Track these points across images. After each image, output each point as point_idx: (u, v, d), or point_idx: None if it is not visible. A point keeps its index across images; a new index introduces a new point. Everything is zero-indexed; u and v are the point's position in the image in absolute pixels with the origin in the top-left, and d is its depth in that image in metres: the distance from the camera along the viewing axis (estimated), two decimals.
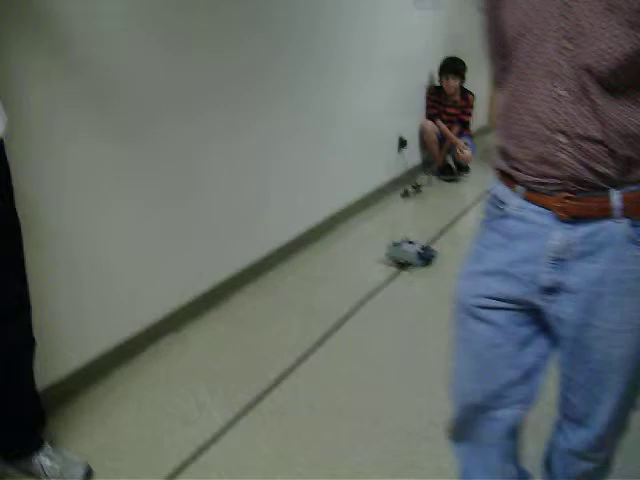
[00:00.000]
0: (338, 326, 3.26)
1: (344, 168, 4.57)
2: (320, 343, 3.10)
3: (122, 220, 2.79)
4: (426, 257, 3.94)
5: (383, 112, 5.04)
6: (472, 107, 5.84)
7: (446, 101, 5.76)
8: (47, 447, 2.25)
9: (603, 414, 1.49)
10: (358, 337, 3.17)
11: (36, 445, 2.24)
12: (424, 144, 5.86)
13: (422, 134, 5.81)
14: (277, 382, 2.80)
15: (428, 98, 5.85)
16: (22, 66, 2.24)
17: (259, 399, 2.69)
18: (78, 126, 2.51)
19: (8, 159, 1.95)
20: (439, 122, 5.76)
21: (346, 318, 3.33)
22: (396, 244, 3.99)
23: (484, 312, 1.51)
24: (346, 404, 2.66)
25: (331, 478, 2.26)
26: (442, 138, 5.81)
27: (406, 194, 5.29)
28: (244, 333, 3.20)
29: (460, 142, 5.72)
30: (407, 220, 4.98)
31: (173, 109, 2.96)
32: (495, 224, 1.50)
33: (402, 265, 3.93)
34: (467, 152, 5.73)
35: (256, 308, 3.45)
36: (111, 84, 2.63)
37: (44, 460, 2.22)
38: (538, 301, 1.44)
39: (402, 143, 5.41)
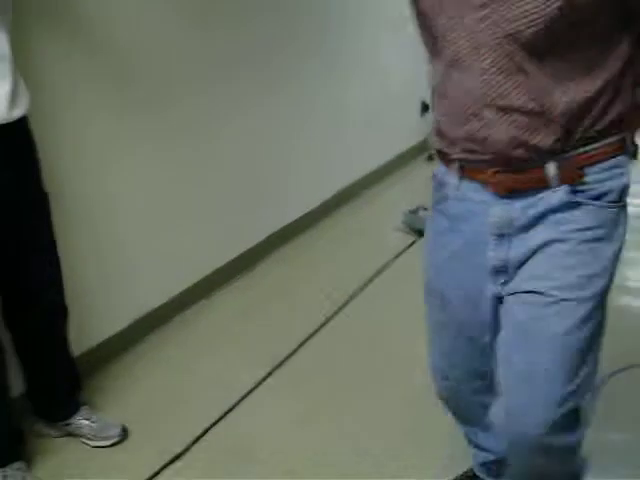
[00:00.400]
0: (360, 291, 3.33)
1: (367, 134, 4.60)
2: (343, 307, 3.18)
3: (148, 190, 2.87)
4: None
5: (405, 76, 5.04)
6: None
7: None
8: (84, 410, 2.37)
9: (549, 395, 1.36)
10: (379, 302, 3.25)
11: (74, 408, 2.36)
12: None
13: None
14: (302, 344, 2.89)
15: None
16: (43, 46, 2.32)
17: (285, 361, 2.78)
18: (100, 101, 2.58)
19: (33, 135, 2.04)
20: None
21: (367, 284, 3.40)
22: (412, 211, 3.98)
23: (446, 299, 1.53)
24: (369, 365, 2.74)
25: (354, 432, 2.35)
26: None
27: (430, 158, 5.30)
28: (271, 299, 3.29)
29: None
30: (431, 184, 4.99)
31: (195, 81, 3.02)
32: (441, 207, 1.49)
33: (420, 232, 3.89)
34: None
35: (282, 274, 3.53)
36: (130, 58, 2.69)
37: (82, 422, 2.34)
38: (492, 286, 1.41)
39: (425, 107, 5.41)
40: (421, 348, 2.78)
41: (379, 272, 3.51)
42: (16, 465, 2.13)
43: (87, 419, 2.34)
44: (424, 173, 4.97)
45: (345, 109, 4.33)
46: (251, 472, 2.19)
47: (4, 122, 1.85)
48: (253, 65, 3.38)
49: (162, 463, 2.23)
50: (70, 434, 2.36)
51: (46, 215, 2.12)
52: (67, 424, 2.34)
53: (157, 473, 2.20)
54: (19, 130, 1.96)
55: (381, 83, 4.70)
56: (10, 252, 2.03)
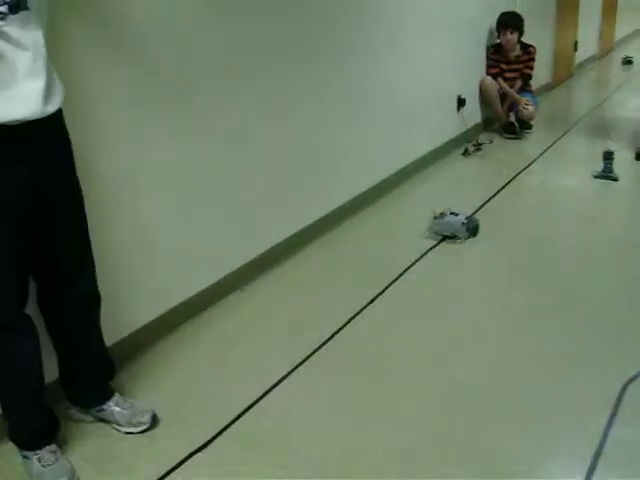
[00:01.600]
0: (392, 283, 3.34)
1: (403, 128, 4.59)
2: (374, 300, 3.18)
3: (180, 180, 2.91)
4: (471, 228, 3.78)
5: (441, 71, 5.03)
6: (534, 60, 5.75)
7: (507, 58, 5.68)
8: (117, 396, 2.41)
9: None
10: (409, 296, 3.24)
11: (107, 395, 2.40)
12: (485, 102, 5.81)
13: (482, 92, 5.75)
14: (334, 334, 2.90)
15: (489, 58, 5.78)
16: (73, 38, 2.36)
17: (317, 350, 2.79)
18: (129, 92, 2.62)
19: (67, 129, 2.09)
20: (500, 80, 5.70)
21: (399, 277, 3.40)
22: (438, 217, 3.83)
23: None
24: (399, 355, 2.74)
25: (383, 422, 2.35)
26: (503, 95, 5.75)
27: (466, 152, 5.28)
28: (304, 289, 3.31)
29: (522, 99, 5.65)
30: (467, 179, 4.98)
31: (228, 71, 3.06)
32: None
33: (445, 238, 3.79)
34: (530, 108, 5.66)
35: (316, 266, 3.55)
36: (160, 50, 2.73)
37: (114, 408, 2.37)
38: None
39: (461, 102, 5.38)
40: (456, 340, 2.81)
41: (410, 266, 3.50)
42: (49, 448, 2.18)
43: (119, 406, 2.38)
44: (461, 167, 4.98)
45: (384, 104, 4.33)
46: (282, 461, 2.20)
47: (39, 117, 1.88)
48: (289, 58, 3.41)
49: (192, 450, 2.26)
50: (102, 420, 2.40)
51: (79, 206, 2.16)
52: (99, 410, 2.38)
53: (186, 459, 2.22)
54: (54, 124, 2.00)
55: (420, 79, 4.69)
56: (45, 241, 2.07)
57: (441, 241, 3.72)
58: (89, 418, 2.41)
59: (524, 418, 2.34)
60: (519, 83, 5.73)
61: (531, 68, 5.76)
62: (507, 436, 2.26)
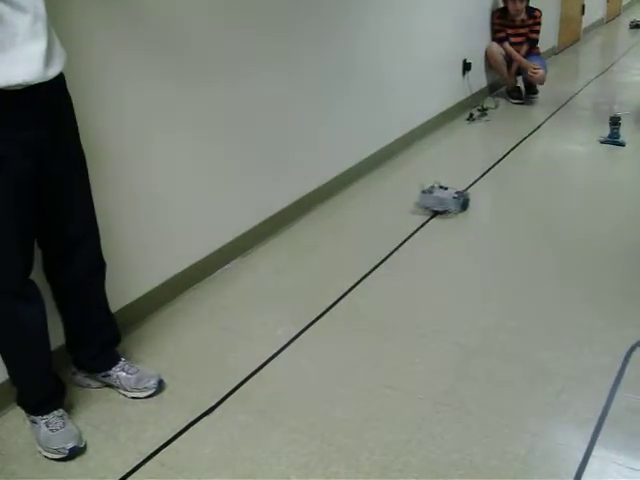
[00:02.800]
0: (396, 249, 3.34)
1: (408, 93, 4.55)
2: (377, 265, 3.18)
3: (184, 148, 2.89)
4: (462, 202, 3.65)
5: (446, 35, 4.97)
6: (539, 24, 5.67)
7: (513, 22, 5.61)
8: (123, 362, 2.42)
9: None
10: (414, 259, 3.25)
11: (113, 360, 2.41)
12: (491, 68, 5.75)
13: (488, 58, 5.69)
14: (337, 301, 2.90)
15: (494, 22, 5.71)
16: (85, 10, 2.33)
17: (320, 317, 2.80)
18: (140, 65, 2.61)
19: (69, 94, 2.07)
20: (506, 45, 5.63)
21: (403, 243, 3.40)
22: (426, 190, 3.70)
23: None
24: (402, 319, 2.74)
25: (387, 388, 2.36)
26: (509, 60, 5.68)
27: (471, 118, 5.23)
28: (306, 256, 3.31)
29: (530, 64, 5.58)
30: (471, 145, 4.95)
31: (236, 47, 3.03)
32: None
33: (436, 213, 3.67)
34: (540, 72, 5.58)
35: (318, 233, 3.55)
36: (171, 25, 2.70)
37: (120, 373, 2.39)
38: None
39: (466, 66, 5.32)
40: (458, 307, 2.81)
41: (413, 233, 3.49)
42: (57, 413, 2.19)
43: (125, 371, 2.39)
44: (465, 132, 4.94)
45: (385, 70, 4.28)
46: (285, 426, 2.21)
47: (40, 81, 1.86)
48: (298, 19, 3.37)
49: (197, 415, 2.28)
50: (108, 385, 2.41)
51: (83, 171, 2.15)
52: (105, 375, 2.40)
53: (192, 424, 2.24)
54: (55, 89, 1.98)
55: (423, 44, 4.64)
56: (48, 207, 2.06)
57: (432, 217, 3.68)
58: (95, 383, 2.42)
59: (528, 383, 2.35)
60: (525, 48, 5.65)
61: (537, 32, 5.68)
62: (512, 401, 2.26)
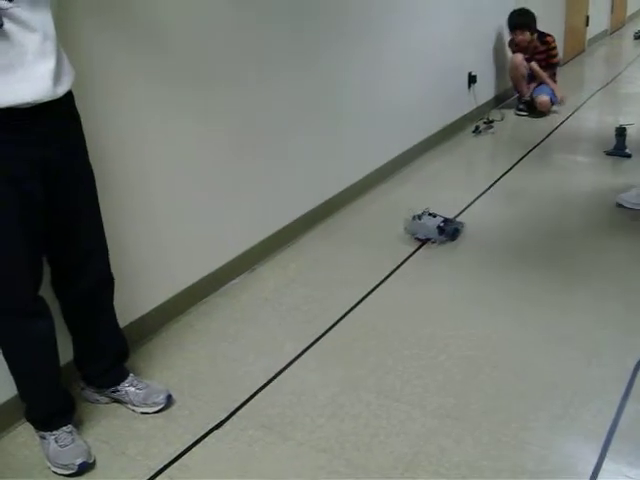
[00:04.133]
0: (402, 264, 3.34)
1: (413, 105, 4.57)
2: (385, 279, 3.18)
3: (190, 163, 2.91)
4: (450, 232, 3.48)
5: (452, 48, 4.99)
6: (554, 48, 5.70)
7: (526, 52, 5.64)
8: (131, 377, 2.42)
9: None
10: (421, 274, 3.25)
11: (122, 375, 2.41)
12: (511, 78, 5.79)
13: (512, 67, 5.72)
14: (345, 315, 2.90)
15: (513, 51, 5.77)
16: (82, 16, 2.35)
17: (328, 331, 2.80)
18: (137, 70, 2.60)
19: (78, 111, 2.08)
20: (533, 64, 5.66)
21: (411, 256, 3.41)
22: (416, 217, 3.54)
23: None
24: (411, 334, 2.74)
25: (396, 402, 2.35)
26: (531, 76, 5.72)
27: (477, 130, 5.24)
28: (314, 271, 3.32)
29: (556, 86, 5.67)
30: (477, 158, 4.95)
31: (239, 49, 3.05)
32: None
33: (424, 242, 3.51)
34: (543, 98, 5.59)
35: (324, 248, 3.55)
36: (169, 27, 2.72)
37: (129, 389, 2.39)
38: None
39: (472, 79, 5.34)
40: (461, 321, 2.81)
41: (419, 248, 3.50)
42: (66, 429, 2.20)
43: (134, 386, 2.40)
44: (471, 145, 4.95)
45: (392, 85, 4.30)
46: (294, 440, 2.21)
47: (49, 99, 1.88)
48: (309, 26, 3.40)
49: (206, 430, 2.28)
50: (117, 401, 2.42)
51: (92, 187, 2.16)
52: (114, 391, 2.40)
53: (201, 439, 2.24)
54: (64, 106, 1.99)
55: (428, 58, 4.67)
56: (57, 224, 2.07)
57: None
58: (104, 399, 2.43)
59: (537, 396, 2.34)
60: (548, 72, 5.70)
61: (554, 56, 5.72)
62: (520, 412, 2.26)
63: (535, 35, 5.63)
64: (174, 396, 2.43)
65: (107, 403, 2.43)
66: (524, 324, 2.76)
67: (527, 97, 5.76)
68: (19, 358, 2.14)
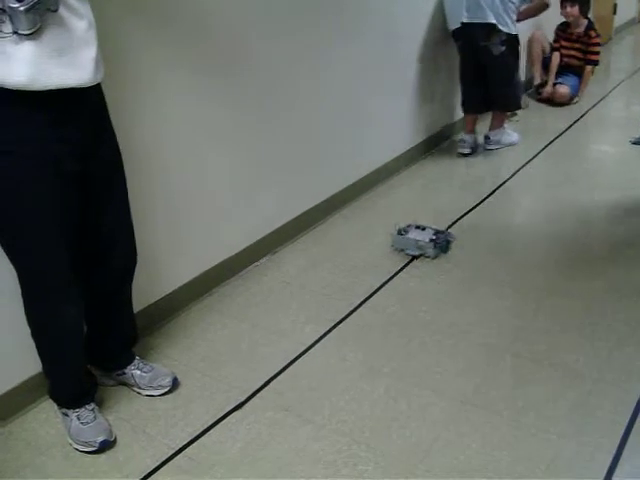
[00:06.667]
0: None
1: (437, 95, 4.55)
2: (407, 264, 3.18)
3: (217, 147, 2.92)
4: (441, 244, 3.22)
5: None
6: (597, 45, 5.61)
7: (569, 34, 5.60)
8: (137, 360, 2.44)
9: None
10: (443, 259, 3.24)
11: (128, 359, 2.44)
12: (529, 55, 5.74)
13: (530, 42, 5.67)
14: (365, 299, 2.90)
15: (556, 33, 5.74)
16: (121, 17, 2.37)
17: (349, 315, 2.81)
18: (173, 58, 2.62)
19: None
20: (555, 54, 5.60)
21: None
22: (401, 231, 3.30)
23: None
24: (432, 319, 2.74)
25: (415, 387, 2.36)
26: (548, 60, 5.68)
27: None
28: (335, 254, 3.32)
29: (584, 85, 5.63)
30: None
31: (271, 41, 3.06)
32: None
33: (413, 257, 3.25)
34: (561, 90, 5.54)
35: (346, 232, 3.56)
36: (205, 17, 2.72)
37: (135, 371, 2.41)
38: None
39: None
40: (485, 307, 2.80)
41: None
42: (88, 407, 2.23)
43: (139, 369, 2.42)
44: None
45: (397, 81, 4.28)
46: (313, 424, 2.23)
47: (91, 84, 1.92)
48: (323, 19, 3.38)
49: (225, 411, 2.30)
50: (123, 383, 2.44)
51: (122, 172, 2.18)
52: (120, 374, 2.42)
53: (221, 420, 2.27)
54: (98, 92, 2.03)
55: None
56: (89, 207, 2.08)
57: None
58: (110, 381, 2.45)
59: (557, 384, 2.33)
60: (589, 68, 5.63)
61: (595, 53, 5.62)
62: (541, 401, 2.25)
63: (585, 20, 5.56)
64: (195, 377, 2.45)
65: (113, 385, 2.45)
66: (545, 312, 2.74)
67: (540, 81, 5.74)
68: (49, 341, 2.16)
